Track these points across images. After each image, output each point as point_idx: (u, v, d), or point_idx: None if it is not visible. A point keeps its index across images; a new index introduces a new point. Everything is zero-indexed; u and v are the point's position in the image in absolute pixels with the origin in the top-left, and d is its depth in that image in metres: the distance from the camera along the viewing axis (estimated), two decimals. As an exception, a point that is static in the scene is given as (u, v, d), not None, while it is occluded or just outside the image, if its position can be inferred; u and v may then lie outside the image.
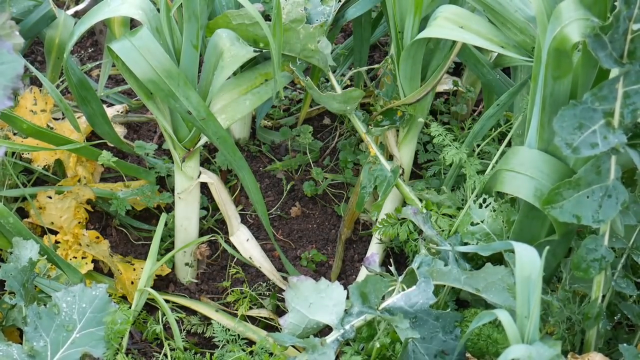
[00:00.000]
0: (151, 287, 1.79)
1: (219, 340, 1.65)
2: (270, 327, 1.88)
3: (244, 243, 1.91)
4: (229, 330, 1.68)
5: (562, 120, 1.18)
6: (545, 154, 1.36)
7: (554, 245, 1.40)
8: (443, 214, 1.67)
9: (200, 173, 1.84)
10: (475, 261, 1.50)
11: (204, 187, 2.03)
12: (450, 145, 1.67)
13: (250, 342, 1.79)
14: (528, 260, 1.11)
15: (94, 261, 1.88)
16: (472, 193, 1.59)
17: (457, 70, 2.42)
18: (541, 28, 1.27)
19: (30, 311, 1.30)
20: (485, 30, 1.48)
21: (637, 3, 1.10)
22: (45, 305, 1.53)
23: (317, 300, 1.34)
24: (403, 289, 1.36)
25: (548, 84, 1.29)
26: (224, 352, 1.63)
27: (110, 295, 1.39)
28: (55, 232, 1.92)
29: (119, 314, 1.39)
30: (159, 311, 1.88)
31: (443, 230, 1.64)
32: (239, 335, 1.67)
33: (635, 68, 1.15)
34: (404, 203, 1.87)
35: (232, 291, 1.93)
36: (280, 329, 1.86)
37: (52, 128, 2.01)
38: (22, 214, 1.97)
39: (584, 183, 1.24)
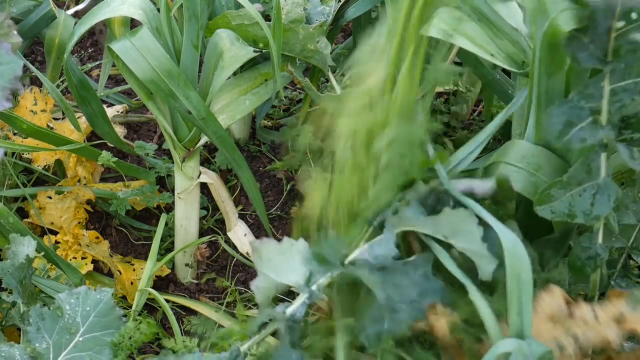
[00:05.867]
0: (151, 287, 1.79)
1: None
2: (270, 327, 1.88)
3: (242, 238, 1.91)
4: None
5: (550, 117, 1.18)
6: (546, 150, 1.36)
7: (554, 241, 1.39)
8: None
9: (200, 173, 1.84)
10: None
11: (204, 187, 2.03)
12: None
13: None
14: (517, 257, 1.11)
15: (94, 261, 1.89)
16: None
17: (457, 70, 2.42)
18: (533, 26, 1.26)
19: (33, 312, 1.29)
20: (479, 36, 1.49)
21: (619, 1, 1.10)
22: (45, 304, 1.53)
23: (282, 262, 1.27)
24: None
25: (542, 81, 1.28)
26: None
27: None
28: (55, 232, 1.92)
29: (143, 325, 1.38)
30: (159, 311, 1.88)
31: None
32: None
33: (621, 66, 1.15)
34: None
35: (231, 292, 1.93)
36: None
37: (52, 128, 2.01)
38: (22, 214, 1.97)
39: (574, 182, 1.24)
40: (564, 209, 1.24)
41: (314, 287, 1.23)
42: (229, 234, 1.93)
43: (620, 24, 1.12)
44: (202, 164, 1.99)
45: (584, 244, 1.32)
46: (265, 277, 1.27)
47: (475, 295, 1.13)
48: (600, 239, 1.32)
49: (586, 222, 1.25)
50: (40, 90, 2.04)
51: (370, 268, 1.22)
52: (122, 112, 2.28)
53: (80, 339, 1.28)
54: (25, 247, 1.45)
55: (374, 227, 1.28)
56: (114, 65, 2.09)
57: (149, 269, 1.79)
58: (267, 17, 1.72)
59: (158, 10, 1.65)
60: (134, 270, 1.91)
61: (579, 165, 1.24)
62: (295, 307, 1.22)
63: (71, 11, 2.16)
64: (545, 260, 1.36)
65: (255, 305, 1.92)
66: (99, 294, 1.32)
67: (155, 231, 1.90)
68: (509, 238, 1.14)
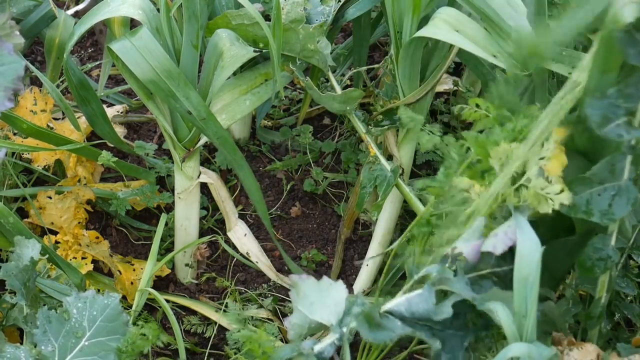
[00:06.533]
0: (151, 287, 1.79)
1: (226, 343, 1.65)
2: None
3: (242, 238, 1.91)
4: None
5: (592, 107, 1.17)
6: (570, 151, 1.35)
7: (571, 244, 1.38)
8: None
9: (200, 173, 1.84)
10: None
11: (204, 187, 2.03)
12: None
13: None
14: (527, 258, 1.10)
15: (94, 261, 1.89)
16: None
17: (457, 70, 2.42)
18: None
19: (40, 314, 1.29)
20: (480, 36, 1.49)
21: None
22: (45, 304, 1.53)
23: (318, 300, 1.28)
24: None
25: (594, 76, 1.25)
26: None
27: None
28: (55, 232, 1.92)
29: (145, 328, 1.38)
30: (159, 311, 1.88)
31: None
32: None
33: None
34: (405, 203, 1.88)
35: (231, 292, 1.93)
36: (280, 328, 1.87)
37: (52, 128, 2.01)
38: (22, 214, 1.97)
39: (596, 180, 1.23)
40: (582, 205, 1.23)
41: (345, 329, 1.22)
42: (229, 234, 1.93)
43: None
44: (202, 164, 1.99)
45: (597, 244, 1.32)
46: (300, 313, 1.27)
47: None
48: (613, 241, 1.32)
49: (601, 222, 1.24)
50: (40, 90, 2.04)
51: (403, 321, 1.21)
52: (122, 112, 2.28)
53: (86, 343, 1.28)
54: (29, 249, 1.45)
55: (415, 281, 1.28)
56: (114, 65, 2.09)
57: (149, 269, 1.79)
58: (267, 17, 1.71)
59: (158, 10, 1.65)
60: (134, 270, 1.91)
61: (604, 164, 1.22)
62: (324, 346, 1.21)
63: (71, 11, 2.16)
64: (560, 263, 1.35)
65: (255, 304, 1.92)
66: (106, 298, 1.31)
67: (155, 231, 1.90)
68: (525, 239, 1.12)
